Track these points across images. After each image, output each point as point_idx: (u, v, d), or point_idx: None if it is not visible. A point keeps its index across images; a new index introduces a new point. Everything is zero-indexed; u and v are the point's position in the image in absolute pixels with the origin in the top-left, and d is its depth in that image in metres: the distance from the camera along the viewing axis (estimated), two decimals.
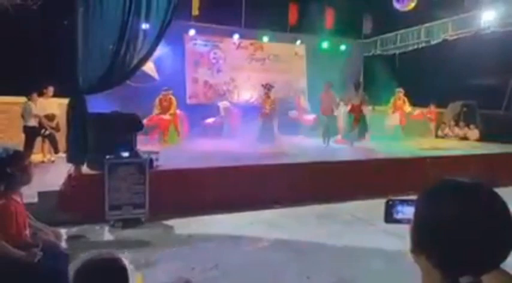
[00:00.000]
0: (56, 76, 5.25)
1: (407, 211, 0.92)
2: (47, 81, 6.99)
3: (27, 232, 2.39)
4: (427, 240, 0.78)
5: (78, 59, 4.80)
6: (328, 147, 8.47)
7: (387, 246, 3.85)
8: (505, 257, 0.75)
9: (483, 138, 10.40)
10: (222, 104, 10.09)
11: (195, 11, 9.95)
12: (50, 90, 7.06)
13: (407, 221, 0.90)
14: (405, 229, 0.92)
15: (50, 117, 7.05)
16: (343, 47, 12.42)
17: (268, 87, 9.25)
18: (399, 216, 0.95)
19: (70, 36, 4.70)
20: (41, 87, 7.01)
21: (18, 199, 2.41)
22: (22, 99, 7.10)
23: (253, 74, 11.44)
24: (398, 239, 3.26)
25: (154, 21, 5.29)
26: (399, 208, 0.95)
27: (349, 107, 9.03)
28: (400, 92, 10.67)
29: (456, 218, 0.74)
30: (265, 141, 8.49)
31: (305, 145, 8.53)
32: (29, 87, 6.95)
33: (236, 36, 11.31)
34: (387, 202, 0.97)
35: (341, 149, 8.13)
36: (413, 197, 0.89)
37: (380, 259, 3.69)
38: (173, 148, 7.51)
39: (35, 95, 6.91)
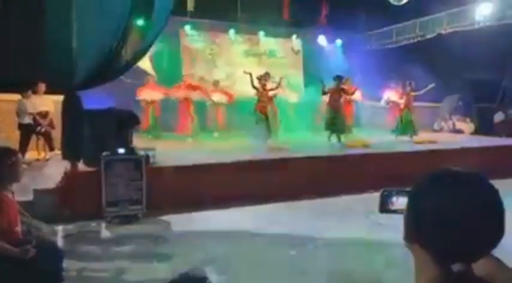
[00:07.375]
0: (49, 72, 5.15)
1: (402, 202, 0.92)
2: (38, 78, 6.78)
3: (19, 228, 2.37)
4: (419, 229, 0.79)
5: (73, 55, 4.75)
6: (322, 143, 8.37)
7: (383, 239, 3.87)
8: (495, 245, 0.76)
9: (478, 131, 10.44)
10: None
11: (191, 7, 9.90)
12: (42, 86, 6.82)
13: (401, 212, 0.90)
14: (401, 222, 0.92)
15: (43, 115, 6.96)
16: (339, 42, 12.42)
17: (264, 79, 8.53)
18: (394, 206, 0.96)
19: (66, 31, 4.64)
20: (32, 84, 6.78)
21: (9, 195, 2.39)
22: (10, 96, 6.96)
23: (249, 69, 11.39)
24: (394, 232, 3.26)
25: (151, 17, 5.25)
26: (394, 198, 0.96)
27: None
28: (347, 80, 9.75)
29: (447, 207, 0.75)
30: (265, 137, 8.02)
31: (302, 140, 8.50)
32: (20, 84, 6.78)
33: (232, 32, 11.27)
34: (382, 192, 0.98)
35: (336, 143, 8.12)
36: (409, 188, 0.89)
37: (377, 252, 3.71)
38: (172, 144, 7.50)
39: (29, 92, 6.83)
